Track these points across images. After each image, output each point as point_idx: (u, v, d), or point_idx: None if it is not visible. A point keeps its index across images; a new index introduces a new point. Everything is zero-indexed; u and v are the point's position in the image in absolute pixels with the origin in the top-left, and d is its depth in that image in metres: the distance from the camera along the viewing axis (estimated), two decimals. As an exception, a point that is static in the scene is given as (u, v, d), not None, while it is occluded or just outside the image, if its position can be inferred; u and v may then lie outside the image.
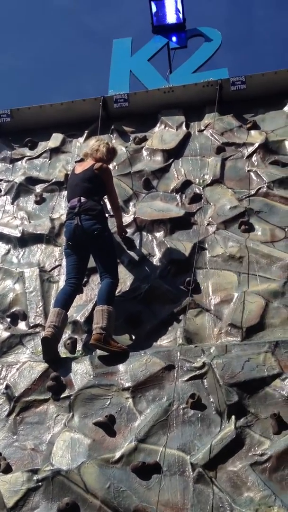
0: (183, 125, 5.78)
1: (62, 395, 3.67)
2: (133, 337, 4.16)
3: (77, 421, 3.51)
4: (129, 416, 3.45)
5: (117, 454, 3.26)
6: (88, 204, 4.22)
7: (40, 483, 3.23)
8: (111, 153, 4.68)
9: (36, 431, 3.53)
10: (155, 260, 4.65)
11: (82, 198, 4.26)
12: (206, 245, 4.65)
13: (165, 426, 3.33)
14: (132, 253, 4.75)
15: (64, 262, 4.79)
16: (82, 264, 4.26)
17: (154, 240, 4.82)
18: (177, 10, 7.15)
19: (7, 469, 3.36)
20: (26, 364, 3.92)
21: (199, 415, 3.35)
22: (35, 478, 3.26)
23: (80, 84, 16.46)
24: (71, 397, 3.63)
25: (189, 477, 3.07)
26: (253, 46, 16.92)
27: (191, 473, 3.08)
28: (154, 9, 7.21)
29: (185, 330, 4.04)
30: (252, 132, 5.56)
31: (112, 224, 4.71)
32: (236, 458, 3.10)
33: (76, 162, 5.66)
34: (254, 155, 5.32)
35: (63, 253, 4.73)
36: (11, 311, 4.56)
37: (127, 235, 4.83)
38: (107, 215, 4.47)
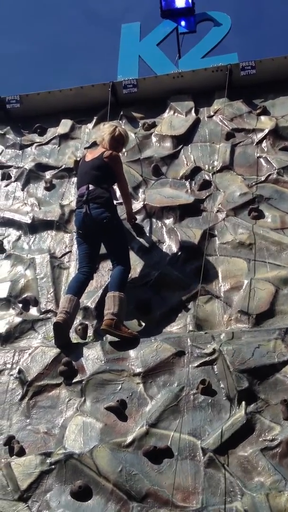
0: (193, 111, 5.74)
1: (74, 380, 3.72)
2: (143, 323, 4.20)
3: (89, 405, 3.56)
4: (140, 401, 3.51)
5: (129, 438, 3.32)
6: (96, 192, 4.24)
7: (53, 466, 3.30)
8: (118, 140, 4.56)
9: (48, 415, 3.60)
10: (165, 247, 4.67)
11: (90, 185, 4.28)
12: (216, 232, 4.66)
13: (176, 411, 3.38)
14: (141, 240, 4.77)
15: (74, 249, 4.83)
16: (93, 252, 4.29)
17: (163, 227, 4.84)
18: (186, -6, 7.06)
19: (21, 452, 3.43)
20: (38, 349, 3.97)
21: (210, 400, 3.39)
22: (48, 461, 3.33)
23: (89, 69, 16.34)
24: (83, 382, 3.69)
25: (200, 461, 3.13)
26: (263, 30, 16.69)
27: (202, 457, 3.14)
28: (163, -7, 7.10)
29: (195, 316, 4.07)
30: (262, 117, 5.52)
31: (121, 211, 4.72)
32: (246, 443, 3.16)
33: (85, 148, 5.68)
34: (264, 141, 5.29)
35: (75, 241, 4.76)
36: (23, 296, 4.60)
37: (136, 221, 4.84)
38: (115, 202, 4.47)
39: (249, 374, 3.42)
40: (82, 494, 3.12)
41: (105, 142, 4.53)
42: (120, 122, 5.85)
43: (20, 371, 3.85)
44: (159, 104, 5.91)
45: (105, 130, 4.65)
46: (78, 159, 5.57)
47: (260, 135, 5.33)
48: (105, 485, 3.15)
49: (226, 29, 6.70)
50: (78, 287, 4.11)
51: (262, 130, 5.37)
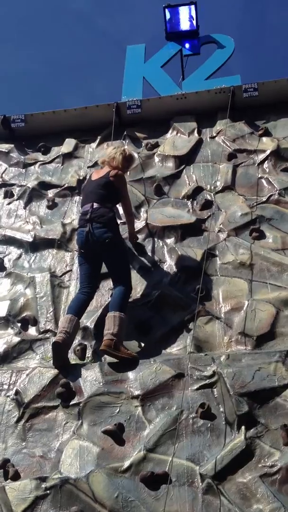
0: (195, 132, 5.77)
1: (72, 402, 3.66)
2: (143, 344, 4.15)
3: (86, 428, 3.50)
4: (138, 424, 3.44)
5: (126, 463, 3.24)
6: (100, 211, 4.24)
7: (48, 491, 3.23)
8: (128, 161, 4.72)
9: (45, 438, 3.53)
10: (166, 267, 4.64)
11: (95, 204, 4.28)
12: (217, 252, 4.63)
13: (174, 436, 3.31)
14: (143, 259, 4.74)
15: (75, 268, 4.81)
16: (94, 272, 4.27)
17: (165, 246, 4.81)
18: (190, 17, 7.14)
19: (16, 476, 3.36)
20: (36, 370, 3.92)
21: (209, 425, 3.33)
22: (43, 486, 3.26)
23: (93, 88, 16.53)
24: (80, 404, 3.63)
25: (198, 488, 3.05)
26: (266, 52, 16.88)
27: (200, 484, 3.06)
28: (168, 16, 7.20)
29: (195, 337, 4.01)
30: (264, 139, 5.53)
31: (123, 230, 4.71)
32: (245, 469, 3.08)
33: (88, 167, 5.70)
34: (266, 162, 5.29)
35: (76, 259, 4.74)
36: (22, 316, 4.56)
37: (138, 241, 4.83)
38: (119, 221, 4.47)
39: (249, 398, 3.35)
40: (77, 521, 3.04)
41: (117, 161, 4.55)
42: (124, 142, 5.88)
43: (17, 392, 3.80)
44: (162, 125, 5.95)
45: (112, 151, 4.67)
46: (81, 178, 5.59)
47: (262, 156, 5.34)
48: (101, 511, 3.07)
49: (229, 51, 6.77)
50: (79, 307, 4.08)
51: (264, 151, 5.37)
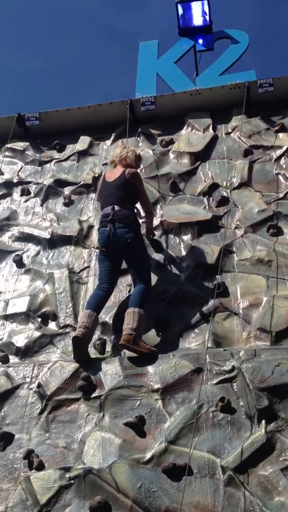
0: (210, 128, 5.79)
1: (93, 395, 3.74)
2: (161, 339, 4.21)
3: (108, 421, 3.58)
4: (159, 417, 3.51)
5: (148, 455, 3.32)
6: (122, 213, 4.31)
7: (72, 481, 3.31)
8: (139, 159, 4.86)
9: (67, 430, 3.62)
10: (183, 263, 4.69)
11: (116, 206, 4.34)
12: (234, 249, 4.67)
13: (195, 429, 3.37)
14: (159, 256, 4.80)
15: (92, 264, 4.88)
16: (114, 270, 4.35)
17: (181, 243, 4.86)
18: (203, 12, 7.16)
19: (40, 467, 3.45)
20: (57, 364, 4.00)
21: (229, 418, 3.39)
22: (67, 476, 3.34)
23: (107, 85, 16.54)
24: (102, 397, 3.71)
25: (219, 480, 3.12)
26: (281, 47, 16.78)
27: (222, 476, 3.13)
28: (180, 11, 7.22)
29: (214, 333, 4.07)
30: (280, 134, 5.55)
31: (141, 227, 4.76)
32: (266, 462, 3.14)
33: (103, 164, 5.75)
34: (283, 158, 5.31)
35: (93, 256, 4.81)
36: (42, 311, 4.65)
37: (154, 237, 4.88)
38: (140, 221, 4.54)
39: (269, 393, 3.41)
40: (101, 510, 3.12)
41: (130, 159, 4.64)
42: (138, 139, 5.93)
43: (39, 385, 3.88)
44: (177, 121, 5.97)
45: (123, 150, 4.75)
46: (96, 175, 5.65)
47: (279, 152, 5.36)
48: (124, 501, 3.15)
49: (243, 46, 6.78)
50: (98, 302, 4.15)
51: (280, 147, 5.39)
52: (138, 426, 3.47)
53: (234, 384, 3.55)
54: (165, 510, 3.04)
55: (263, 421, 3.29)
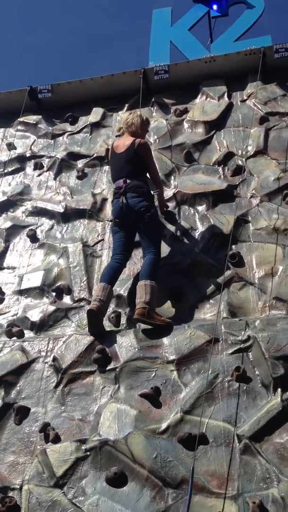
0: (225, 96, 5.64)
1: (108, 367, 3.73)
2: (176, 311, 4.17)
3: (123, 392, 3.57)
4: (174, 388, 3.49)
5: (163, 425, 3.31)
6: (134, 184, 4.26)
7: (88, 453, 3.32)
8: (146, 124, 4.71)
9: (83, 402, 3.62)
10: (198, 234, 4.61)
11: (127, 179, 4.28)
12: (250, 218, 4.57)
13: (211, 398, 3.35)
14: (174, 227, 4.73)
15: (106, 237, 4.83)
16: (128, 241, 4.30)
17: (196, 213, 4.78)
18: (217, -23, 6.91)
19: (56, 439, 3.46)
20: (72, 337, 3.99)
21: (245, 387, 3.35)
22: (83, 448, 3.35)
23: (120, 55, 16.24)
24: (117, 369, 3.69)
25: (235, 448, 3.10)
26: (298, 11, 16.20)
27: (237, 444, 3.11)
28: (194, -23, 6.98)
29: (229, 303, 4.01)
30: (297, 100, 5.38)
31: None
32: (282, 430, 3.11)
33: (116, 136, 5.65)
34: (299, 124, 5.15)
35: (107, 229, 4.75)
36: (56, 285, 4.63)
37: (168, 209, 4.80)
38: (152, 192, 4.46)
39: (285, 361, 3.35)
40: (117, 481, 3.13)
41: (135, 126, 4.54)
42: (152, 109, 5.82)
43: (54, 359, 3.88)
44: (191, 90, 5.83)
45: (129, 116, 4.66)
46: (109, 147, 5.56)
47: (295, 118, 5.20)
48: (140, 471, 3.15)
49: (259, 11, 6.52)
50: (112, 275, 4.11)
51: (297, 113, 5.23)
52: (154, 397, 3.45)
53: (250, 353, 3.50)
54: (181, 480, 3.02)
55: (279, 389, 3.25)
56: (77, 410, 3.59)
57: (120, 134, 4.85)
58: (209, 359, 3.51)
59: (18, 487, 3.31)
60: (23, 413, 3.67)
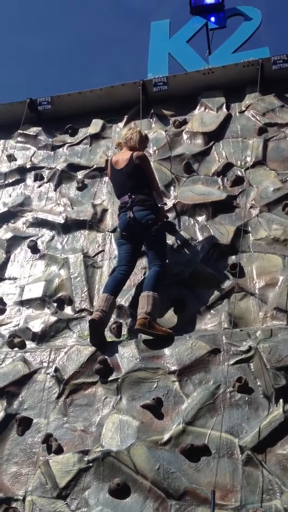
0: (224, 107, 5.69)
1: (110, 378, 3.74)
2: (178, 321, 4.18)
3: (125, 403, 3.58)
4: (176, 399, 3.50)
5: (166, 436, 3.31)
6: (140, 198, 4.29)
7: (91, 464, 3.33)
8: (144, 140, 4.73)
9: (85, 413, 3.63)
10: (198, 244, 4.64)
11: (133, 195, 4.31)
12: (250, 228, 4.60)
13: (213, 409, 3.36)
14: (174, 238, 4.75)
15: (107, 248, 4.86)
16: (134, 253, 4.33)
17: (196, 224, 4.81)
18: (215, -11, 6.99)
19: (59, 450, 3.47)
20: (74, 348, 4.01)
21: (247, 398, 3.36)
22: (86, 459, 3.36)
23: (119, 64, 16.36)
24: (119, 380, 3.70)
25: (238, 459, 3.11)
26: (295, 23, 16.38)
27: (240, 455, 3.12)
28: (191, -11, 7.06)
29: (230, 314, 4.03)
30: (295, 111, 5.43)
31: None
32: (285, 441, 3.12)
33: (116, 147, 5.69)
34: (298, 135, 5.20)
35: (107, 240, 4.78)
36: (57, 296, 4.65)
37: (168, 219, 4.83)
38: (159, 205, 4.50)
39: (286, 372, 3.36)
40: (120, 492, 3.14)
41: (134, 141, 4.56)
42: (151, 120, 5.87)
43: (56, 370, 3.90)
44: (190, 101, 5.89)
45: (128, 132, 4.69)
46: (109, 162, 5.59)
47: (293, 129, 5.24)
48: (143, 482, 3.16)
49: (256, 23, 6.62)
50: (115, 286, 4.14)
51: (295, 124, 5.28)
52: (156, 408, 3.47)
53: (251, 364, 3.52)
54: (184, 491, 3.03)
55: (281, 400, 3.26)
56: (79, 421, 3.60)
57: (119, 148, 4.87)
58: (212, 369, 3.53)
59: (21, 498, 3.31)
60: (25, 424, 3.68)
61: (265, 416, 3.24)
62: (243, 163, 5.13)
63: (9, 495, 3.35)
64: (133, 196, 4.30)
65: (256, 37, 6.59)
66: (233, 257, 4.40)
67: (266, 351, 3.49)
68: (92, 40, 16.72)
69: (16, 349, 4.31)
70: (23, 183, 5.82)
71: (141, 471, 3.20)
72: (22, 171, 5.90)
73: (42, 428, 3.63)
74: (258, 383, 3.41)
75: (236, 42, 6.44)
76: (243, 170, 5.06)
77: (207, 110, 5.74)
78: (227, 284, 4.24)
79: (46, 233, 5.26)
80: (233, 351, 3.62)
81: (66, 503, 3.21)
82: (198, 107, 5.82)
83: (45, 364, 3.99)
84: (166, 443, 3.29)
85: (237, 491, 2.99)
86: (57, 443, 3.49)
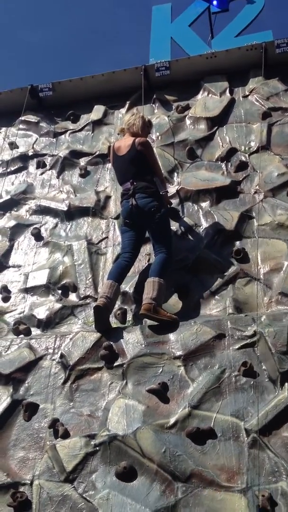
0: (227, 91, 5.65)
1: (115, 364, 3.76)
2: (182, 307, 4.19)
3: (131, 388, 3.60)
4: (182, 383, 3.52)
5: (172, 420, 3.34)
6: (142, 185, 4.27)
7: (97, 448, 3.36)
8: (148, 126, 4.70)
9: (91, 398, 3.65)
10: (202, 231, 4.64)
11: (134, 182, 4.29)
12: (254, 214, 4.59)
13: (218, 393, 3.38)
14: (178, 224, 4.75)
15: (111, 235, 4.86)
16: (137, 240, 4.33)
17: (200, 210, 4.80)
18: (217, -28, 6.90)
19: (66, 435, 3.50)
20: (79, 334, 4.02)
21: (252, 382, 3.38)
22: (92, 443, 3.39)
23: (121, 52, 16.20)
24: (124, 365, 3.72)
25: (243, 442, 3.13)
26: (299, 5, 16.12)
27: (246, 438, 3.14)
28: (193, -28, 6.97)
29: (235, 299, 4.04)
30: (299, 95, 5.38)
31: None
32: (290, 424, 3.13)
33: (118, 133, 5.66)
34: (302, 119, 5.16)
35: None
36: (62, 283, 4.66)
37: (172, 206, 4.82)
38: (161, 192, 4.48)
39: (292, 356, 3.38)
40: (127, 475, 3.17)
41: (136, 127, 4.53)
42: (153, 105, 5.83)
43: (62, 356, 3.92)
44: (193, 86, 5.84)
45: (131, 117, 4.64)
46: (111, 148, 5.56)
47: (298, 113, 5.20)
48: (150, 466, 3.19)
49: (259, 6, 6.52)
50: (120, 273, 4.14)
51: (299, 108, 5.24)
52: (161, 393, 3.49)
53: (256, 348, 3.53)
54: (190, 473, 3.05)
55: (286, 384, 3.28)
56: (85, 406, 3.63)
57: (121, 134, 4.84)
58: (217, 354, 3.54)
59: (29, 482, 3.35)
60: (32, 409, 3.71)
61: (271, 400, 3.26)
62: (247, 148, 5.10)
63: (17, 480, 3.39)
64: (135, 183, 4.28)
65: (259, 20, 6.50)
66: (238, 242, 4.40)
67: (271, 336, 3.50)
68: (92, 27, 16.55)
69: (21, 336, 4.33)
70: (26, 171, 5.80)
71: (148, 454, 3.23)
72: (24, 159, 5.89)
73: (49, 413, 3.65)
74: (264, 367, 3.43)
75: (239, 26, 6.36)
76: (247, 155, 5.03)
77: (210, 95, 5.70)
78: (231, 269, 4.24)
79: (50, 221, 5.25)
80: (238, 336, 3.63)
81: (73, 487, 3.24)
82: (201, 92, 5.78)
83: (50, 351, 4.01)
84: (172, 426, 3.31)
85: (243, 473, 3.02)
86: (63, 428, 3.52)
